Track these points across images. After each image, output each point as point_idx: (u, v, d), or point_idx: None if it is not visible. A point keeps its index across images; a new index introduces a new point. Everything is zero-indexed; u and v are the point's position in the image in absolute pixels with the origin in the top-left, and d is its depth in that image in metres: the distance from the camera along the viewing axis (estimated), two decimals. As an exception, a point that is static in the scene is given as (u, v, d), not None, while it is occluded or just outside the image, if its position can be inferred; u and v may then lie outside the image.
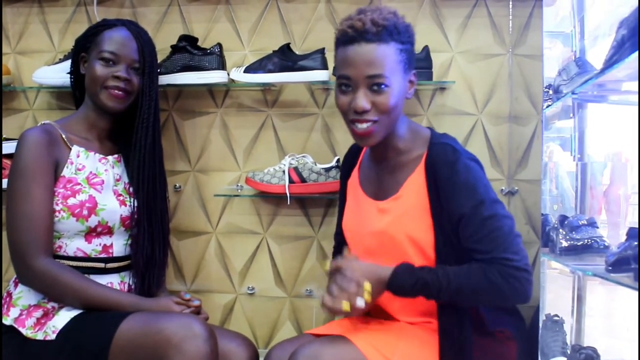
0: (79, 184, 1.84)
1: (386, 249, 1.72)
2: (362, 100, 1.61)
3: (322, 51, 2.15)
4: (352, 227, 1.85)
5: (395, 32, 1.62)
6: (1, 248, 2.37)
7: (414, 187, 1.70)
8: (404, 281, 1.61)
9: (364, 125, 1.63)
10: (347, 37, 1.62)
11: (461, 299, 1.60)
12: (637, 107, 1.99)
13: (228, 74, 2.22)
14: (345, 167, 1.95)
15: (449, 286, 1.58)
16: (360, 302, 1.59)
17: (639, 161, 1.56)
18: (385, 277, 1.62)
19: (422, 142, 1.72)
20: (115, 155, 1.97)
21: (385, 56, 1.61)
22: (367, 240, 1.77)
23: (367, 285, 1.60)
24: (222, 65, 2.21)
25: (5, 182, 2.07)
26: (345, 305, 1.59)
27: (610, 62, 1.64)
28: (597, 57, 2.05)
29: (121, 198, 1.92)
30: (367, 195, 1.81)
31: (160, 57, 2.19)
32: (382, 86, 1.61)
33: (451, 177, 1.63)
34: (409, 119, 1.77)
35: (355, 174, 1.89)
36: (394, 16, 1.64)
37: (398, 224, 1.70)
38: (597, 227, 1.96)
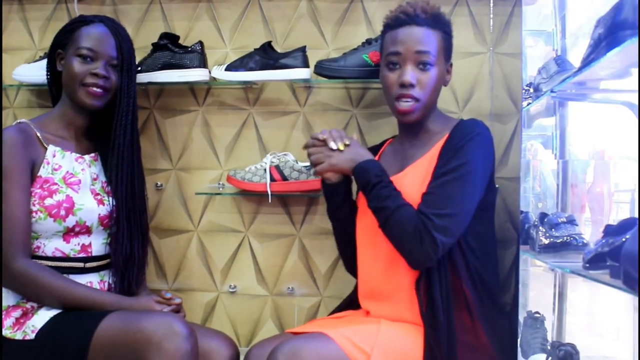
0: (56, 184, 1.83)
1: None
2: (410, 74, 1.78)
3: (303, 49, 2.15)
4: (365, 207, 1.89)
5: (441, 21, 1.83)
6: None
7: (430, 159, 1.80)
8: (361, 175, 1.78)
9: (408, 103, 1.79)
10: (399, 20, 1.81)
11: (381, 219, 1.73)
12: (637, 107, 2.00)
13: (209, 72, 2.22)
14: None
15: (380, 200, 1.72)
16: (333, 145, 1.81)
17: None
18: (356, 161, 1.80)
19: (451, 124, 1.84)
20: (92, 154, 1.96)
21: (431, 39, 1.80)
22: None
23: (346, 142, 1.82)
24: (203, 64, 2.20)
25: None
26: (322, 136, 1.83)
27: (588, 61, 1.64)
28: (578, 56, 2.06)
29: (99, 197, 1.91)
30: None
31: (141, 55, 2.19)
32: (428, 65, 1.79)
33: (461, 140, 1.75)
34: None
35: None
36: (438, 8, 1.84)
37: (413, 186, 1.77)
38: (577, 225, 1.96)
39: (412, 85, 1.78)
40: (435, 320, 1.69)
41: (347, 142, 1.82)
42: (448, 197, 1.69)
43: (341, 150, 1.81)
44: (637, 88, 1.68)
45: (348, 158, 1.81)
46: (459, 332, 1.70)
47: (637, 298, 1.28)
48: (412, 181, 1.78)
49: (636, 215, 2.17)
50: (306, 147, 1.87)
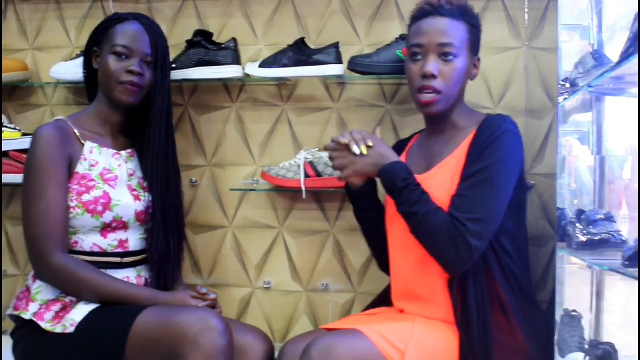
0: (93, 180, 1.85)
1: None
2: (432, 65, 1.76)
3: (336, 45, 2.15)
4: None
5: (467, 13, 1.80)
6: (0, 243, 2.42)
7: (458, 159, 1.76)
8: (387, 179, 1.74)
9: (430, 95, 1.77)
10: (424, 11, 1.80)
11: (412, 224, 1.70)
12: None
13: (243, 69, 2.23)
14: None
15: (409, 205, 1.68)
16: (356, 149, 1.76)
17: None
18: (381, 165, 1.75)
19: (478, 119, 1.80)
20: (129, 150, 1.99)
21: (456, 30, 1.77)
22: None
23: (369, 144, 1.76)
24: (237, 60, 2.21)
25: (5, 177, 2.12)
26: (344, 141, 1.77)
27: (626, 55, 1.61)
28: (615, 51, 2.03)
29: (135, 193, 1.93)
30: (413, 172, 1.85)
31: (175, 53, 2.21)
32: (451, 56, 1.76)
33: (489, 138, 1.71)
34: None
35: (402, 158, 1.94)
36: (465, 2, 1.82)
37: (439, 189, 1.74)
38: (615, 222, 1.93)
39: (433, 77, 1.76)
40: (470, 322, 1.67)
41: (370, 144, 1.77)
42: (480, 200, 1.66)
43: (364, 155, 1.77)
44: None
45: (372, 162, 1.77)
46: (495, 333, 1.68)
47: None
48: (440, 182, 1.76)
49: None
50: (326, 149, 1.83)
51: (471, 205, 1.66)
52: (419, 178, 1.78)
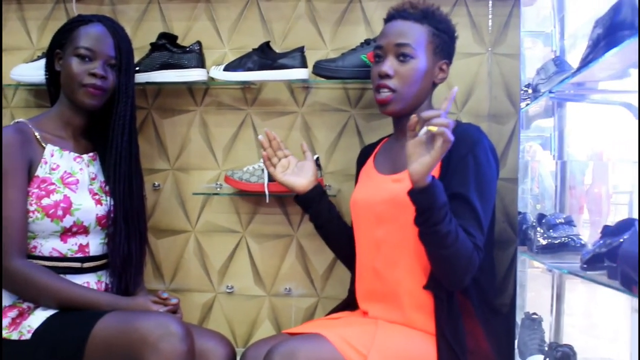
0: (53, 183, 1.82)
1: (398, 214, 1.75)
2: (387, 65, 1.79)
3: (301, 49, 2.15)
4: (362, 199, 1.89)
5: (431, 16, 1.81)
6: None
7: None
8: (436, 194, 1.58)
9: (385, 93, 1.79)
10: (389, 16, 1.85)
11: (441, 243, 1.60)
12: (636, 108, 2.00)
13: (208, 72, 2.21)
14: (359, 164, 2.04)
15: (448, 225, 1.58)
16: (423, 130, 1.55)
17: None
18: (423, 177, 1.57)
19: None
20: (91, 154, 1.96)
21: (415, 32, 1.80)
22: (379, 208, 1.81)
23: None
24: (201, 64, 2.20)
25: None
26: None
27: (586, 61, 1.65)
28: (577, 58, 2.06)
29: (97, 197, 1.90)
30: (381, 173, 1.88)
31: (139, 55, 2.19)
32: (408, 57, 1.78)
33: (466, 156, 1.69)
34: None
35: (370, 162, 1.96)
36: (433, 6, 1.84)
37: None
38: (575, 226, 1.97)
39: (388, 76, 1.79)
40: (445, 327, 1.68)
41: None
42: (478, 217, 1.67)
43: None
44: (637, 89, 1.69)
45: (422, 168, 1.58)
46: (468, 338, 1.69)
47: (635, 299, 1.28)
48: (408, 187, 1.74)
49: (634, 216, 2.16)
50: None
51: (473, 224, 1.66)
52: (386, 179, 1.79)
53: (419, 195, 1.58)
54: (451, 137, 1.51)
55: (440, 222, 1.57)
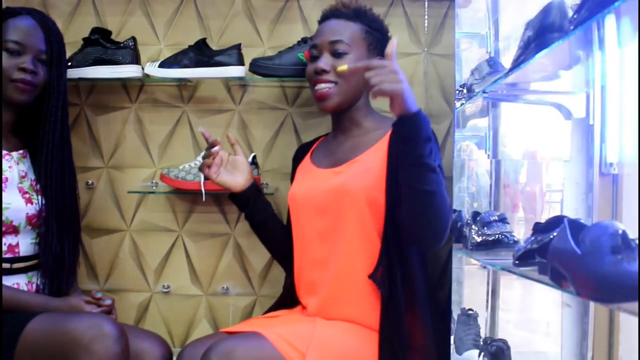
0: (-20, 181, 1.77)
1: (340, 204, 1.77)
2: (323, 61, 1.83)
3: (238, 47, 2.13)
4: (301, 192, 1.88)
5: (363, 15, 1.86)
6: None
7: (374, 155, 1.79)
8: (419, 124, 1.57)
9: (323, 86, 1.83)
10: (323, 16, 1.91)
11: (429, 180, 1.59)
12: (565, 108, 2.05)
13: (142, 69, 2.18)
14: (296, 162, 2.04)
15: (433, 162, 1.58)
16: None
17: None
18: (413, 104, 1.57)
19: (388, 123, 1.78)
20: (21, 151, 1.90)
21: (348, 29, 1.84)
22: (320, 199, 1.82)
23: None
24: (136, 60, 2.16)
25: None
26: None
27: (518, 62, 1.67)
28: (511, 59, 2.10)
29: (27, 196, 1.85)
30: (320, 167, 1.89)
31: (71, 50, 2.13)
32: (343, 53, 1.82)
33: None
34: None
35: (307, 159, 1.97)
36: (366, 6, 1.89)
37: (354, 179, 1.77)
38: (508, 223, 2.00)
39: (324, 71, 1.83)
40: (388, 322, 1.70)
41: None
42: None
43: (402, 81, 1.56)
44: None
45: (409, 94, 1.58)
46: (410, 335, 1.71)
47: (566, 294, 1.31)
48: (353, 176, 1.78)
49: (564, 214, 2.22)
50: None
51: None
52: (327, 172, 1.79)
53: (403, 122, 1.58)
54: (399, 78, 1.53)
55: (425, 156, 1.57)
